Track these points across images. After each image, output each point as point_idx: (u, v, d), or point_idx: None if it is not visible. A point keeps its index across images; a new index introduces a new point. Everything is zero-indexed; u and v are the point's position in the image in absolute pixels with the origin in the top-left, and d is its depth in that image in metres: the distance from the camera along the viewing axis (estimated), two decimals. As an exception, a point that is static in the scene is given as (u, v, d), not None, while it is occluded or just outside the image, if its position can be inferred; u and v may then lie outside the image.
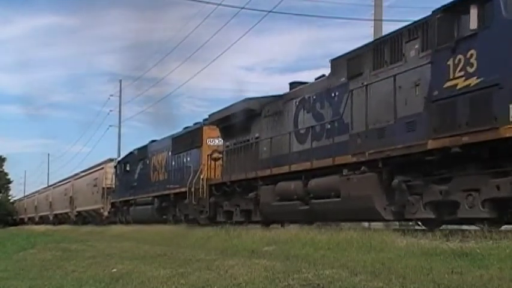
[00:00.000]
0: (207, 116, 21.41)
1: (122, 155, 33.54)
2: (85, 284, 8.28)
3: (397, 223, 15.01)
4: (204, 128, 21.66)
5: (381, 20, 21.84)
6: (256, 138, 17.06)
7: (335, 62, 13.64)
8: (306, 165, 14.05)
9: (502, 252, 7.14)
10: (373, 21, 21.93)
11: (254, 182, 16.59)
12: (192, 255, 10.28)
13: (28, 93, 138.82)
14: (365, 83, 12.21)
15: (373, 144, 11.70)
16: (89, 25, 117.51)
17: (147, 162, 27.89)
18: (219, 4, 26.22)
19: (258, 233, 13.13)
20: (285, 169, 14.97)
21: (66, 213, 46.98)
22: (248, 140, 17.60)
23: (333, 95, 13.57)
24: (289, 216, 15.40)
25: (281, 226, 16.38)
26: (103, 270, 9.58)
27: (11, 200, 73.02)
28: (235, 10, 28.86)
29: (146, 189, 27.00)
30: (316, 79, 15.11)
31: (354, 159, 12.23)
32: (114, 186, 33.51)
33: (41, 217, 57.88)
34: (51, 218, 52.90)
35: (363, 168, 11.96)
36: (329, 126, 13.48)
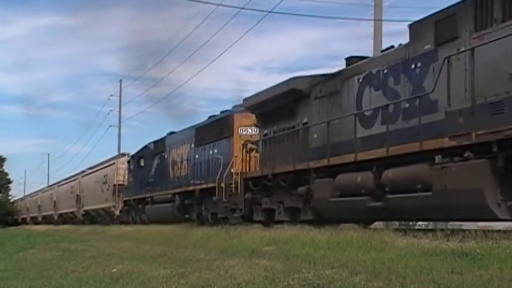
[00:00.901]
0: (236, 104, 19.84)
1: (135, 150, 31.19)
2: (85, 284, 8.28)
3: (396, 223, 14.94)
4: (235, 115, 19.39)
5: (381, 20, 21.87)
6: (304, 123, 14.73)
7: (416, 26, 11.20)
8: (380, 152, 11.58)
9: (502, 252, 7.14)
10: (373, 21, 21.95)
11: (305, 174, 14.19)
12: (192, 255, 10.28)
13: (28, 93, 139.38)
14: (464, 48, 9.88)
15: (484, 122, 9.27)
16: (89, 25, 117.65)
17: (165, 156, 25.55)
18: (219, 4, 26.30)
19: (258, 233, 13.12)
20: (348, 158, 12.56)
21: (72, 212, 45.02)
22: (293, 127, 15.25)
23: (413, 66, 11.21)
24: (354, 214, 12.95)
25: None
26: (103, 270, 9.58)
27: (11, 200, 72.98)
28: (235, 10, 28.86)
29: (165, 186, 24.70)
30: (383, 51, 13.09)
31: (454, 143, 9.83)
32: (126, 183, 31.07)
33: (44, 217, 56.47)
34: (55, 217, 51.31)
35: (467, 153, 9.56)
36: (408, 104, 11.23)
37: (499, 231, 9.57)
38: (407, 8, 71.12)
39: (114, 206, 32.87)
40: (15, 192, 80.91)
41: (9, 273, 10.21)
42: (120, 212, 31.65)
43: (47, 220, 54.07)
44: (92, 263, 10.83)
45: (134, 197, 28.75)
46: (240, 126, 19.14)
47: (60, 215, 49.81)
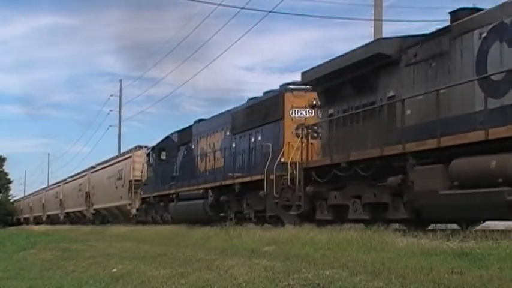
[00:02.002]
0: (284, 83, 17.22)
1: (155, 142, 27.77)
2: (85, 284, 8.28)
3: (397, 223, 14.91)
4: (286, 95, 16.30)
5: (381, 20, 21.84)
6: (391, 97, 11.99)
7: None
8: None
9: (502, 252, 7.14)
10: (373, 21, 21.93)
11: (397, 161, 11.18)
12: (192, 255, 10.28)
13: (28, 93, 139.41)
14: None
15: None
16: (89, 25, 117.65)
17: (192, 147, 22.51)
18: (219, 4, 26.15)
19: (258, 233, 13.13)
20: (473, 137, 9.56)
21: (81, 211, 41.64)
22: (373, 102, 12.51)
23: None
24: (483, 211, 9.95)
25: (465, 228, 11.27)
26: (103, 270, 9.58)
27: (11, 200, 73.00)
28: (235, 10, 28.85)
29: (194, 181, 21.42)
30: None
31: None
32: (145, 178, 27.55)
33: (48, 216, 53.88)
34: (61, 217, 48.29)
35: None
36: None
37: (499, 231, 9.57)
38: (407, 8, 71.19)
39: (130, 204, 29.16)
40: (15, 192, 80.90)
41: (9, 273, 10.21)
42: (137, 210, 28.34)
43: (52, 220, 51.62)
44: (92, 263, 10.83)
45: (155, 194, 25.30)
46: (293, 107, 16.23)
47: (67, 214, 46.80)
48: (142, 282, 7.86)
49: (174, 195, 22.84)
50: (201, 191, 20.36)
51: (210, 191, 19.76)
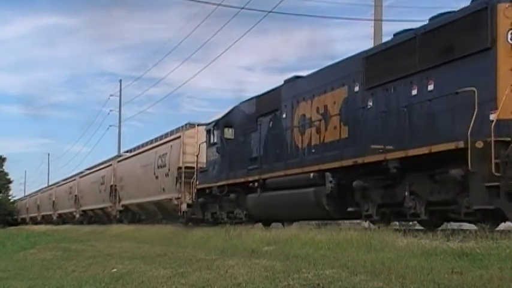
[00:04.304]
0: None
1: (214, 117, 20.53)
2: (85, 284, 8.29)
3: (397, 223, 14.91)
4: (501, 7, 9.77)
5: (381, 20, 21.85)
6: None
7: None
8: None
9: (502, 252, 7.15)
10: (373, 21, 21.94)
11: None
12: (192, 255, 10.28)
13: (28, 93, 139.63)
14: None
15: None
16: (89, 25, 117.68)
17: (283, 115, 15.82)
18: (219, 4, 26.15)
19: (258, 233, 13.11)
20: None
21: (103, 209, 34.76)
22: None
23: None
24: None
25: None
26: (103, 270, 9.58)
27: (11, 200, 73.04)
28: (236, 10, 28.83)
29: (292, 161, 14.87)
30: None
31: None
32: (203, 164, 20.56)
33: (60, 215, 48.32)
34: (77, 215, 41.32)
35: None
36: None
37: (499, 231, 9.57)
38: (407, 8, 71.19)
39: (178, 198, 22.71)
40: (15, 192, 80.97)
41: (10, 273, 10.24)
42: (189, 206, 21.52)
43: (64, 219, 46.91)
44: (92, 263, 10.84)
45: (221, 183, 18.61)
46: None
47: (84, 212, 40.12)
48: (142, 282, 7.87)
49: (256, 184, 16.55)
50: (312, 174, 13.76)
51: (328, 174, 13.30)
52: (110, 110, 54.56)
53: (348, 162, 12.56)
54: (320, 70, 15.01)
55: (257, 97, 17.51)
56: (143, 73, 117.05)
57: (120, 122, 50.76)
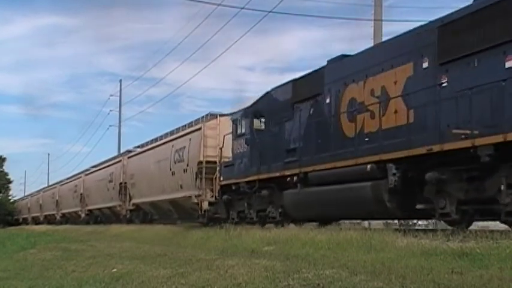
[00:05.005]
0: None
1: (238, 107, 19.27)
2: (85, 284, 8.29)
3: (397, 222, 14.92)
4: None
5: (381, 20, 21.88)
6: None
7: None
8: None
9: (502, 252, 7.15)
10: (373, 21, 21.96)
11: None
12: (192, 255, 10.28)
13: (28, 93, 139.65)
14: None
15: None
16: (89, 25, 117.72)
17: (327, 100, 13.68)
18: (219, 4, 26.24)
19: (258, 233, 13.11)
20: None
21: (111, 208, 32.40)
22: None
23: None
24: None
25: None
26: (103, 270, 9.58)
27: (11, 200, 73.05)
28: (236, 10, 28.87)
29: (341, 151, 12.71)
30: None
31: None
32: (228, 157, 18.42)
33: (63, 215, 46.29)
34: (82, 215, 39.19)
35: None
36: None
37: (499, 231, 9.57)
38: (407, 8, 71.18)
39: (198, 196, 20.23)
40: (15, 192, 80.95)
41: (10, 273, 10.24)
42: (211, 204, 19.48)
43: (70, 219, 44.70)
44: (92, 263, 10.84)
45: (250, 178, 16.49)
46: None
47: (90, 211, 37.90)
48: (142, 282, 7.87)
49: (295, 178, 14.38)
50: (368, 166, 11.73)
51: (391, 165, 11.20)
52: (110, 110, 54.65)
53: (420, 150, 10.32)
54: (374, 47, 12.99)
55: (293, 81, 15.25)
56: (143, 73, 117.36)
57: (120, 122, 50.82)
